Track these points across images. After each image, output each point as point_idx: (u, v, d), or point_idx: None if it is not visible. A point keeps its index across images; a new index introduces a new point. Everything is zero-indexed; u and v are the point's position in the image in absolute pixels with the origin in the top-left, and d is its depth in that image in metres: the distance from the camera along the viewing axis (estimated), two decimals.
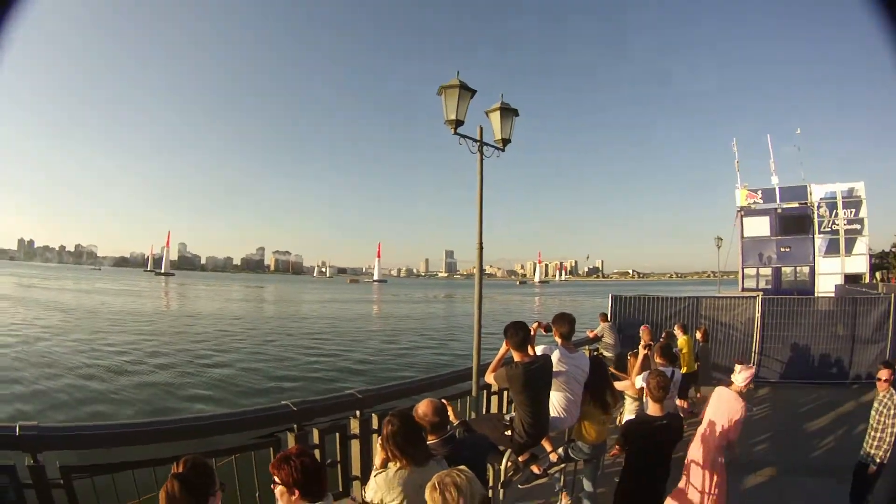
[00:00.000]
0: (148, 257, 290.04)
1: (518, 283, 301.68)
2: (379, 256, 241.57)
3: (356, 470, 6.17)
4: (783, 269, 31.59)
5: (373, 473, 3.59)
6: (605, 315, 13.91)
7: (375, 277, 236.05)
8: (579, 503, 6.38)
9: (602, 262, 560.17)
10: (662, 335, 11.01)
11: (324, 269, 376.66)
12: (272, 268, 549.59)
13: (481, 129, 7.31)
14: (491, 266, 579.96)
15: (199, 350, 27.85)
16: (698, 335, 12.77)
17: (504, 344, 5.50)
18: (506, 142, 7.59)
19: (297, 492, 2.96)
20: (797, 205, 31.67)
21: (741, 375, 5.95)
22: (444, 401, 4.27)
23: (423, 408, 4.03)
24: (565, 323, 6.02)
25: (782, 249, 31.59)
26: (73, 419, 14.96)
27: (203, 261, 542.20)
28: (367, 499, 3.53)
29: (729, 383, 6.07)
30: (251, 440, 5.39)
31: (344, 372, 23.84)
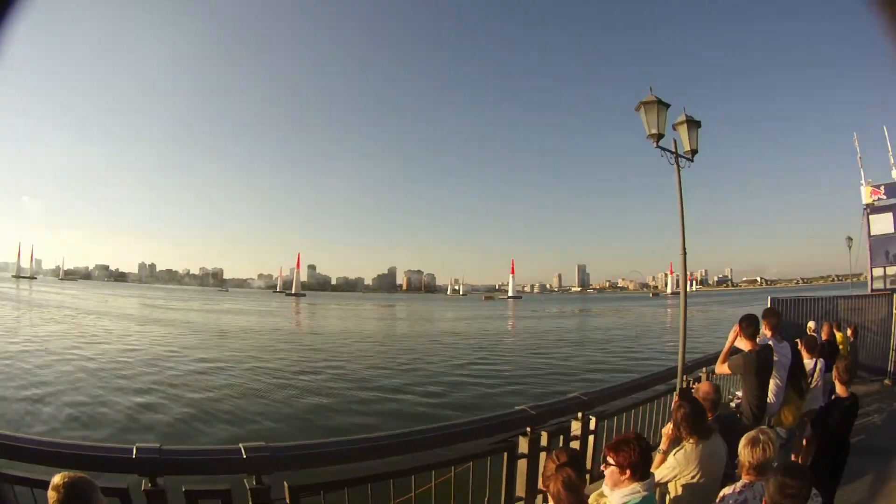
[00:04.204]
0: (277, 279, 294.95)
1: (651, 295, 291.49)
2: (513, 273, 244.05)
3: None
4: None
5: (672, 453, 4.29)
6: None
7: (510, 294, 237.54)
8: None
9: (731, 270, 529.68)
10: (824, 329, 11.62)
11: (457, 287, 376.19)
12: (405, 286, 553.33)
13: (675, 142, 8.11)
14: (623, 279, 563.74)
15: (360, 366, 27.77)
16: (848, 332, 13.07)
17: (732, 334, 6.32)
18: (694, 152, 8.25)
19: (628, 472, 3.41)
20: None
21: None
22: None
23: (704, 387, 5.04)
24: (774, 316, 6.84)
25: None
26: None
27: (333, 281, 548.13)
28: (659, 478, 4.12)
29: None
30: (488, 446, 5.43)
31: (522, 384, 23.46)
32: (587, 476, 6.13)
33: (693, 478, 4.15)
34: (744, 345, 6.19)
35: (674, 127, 8.24)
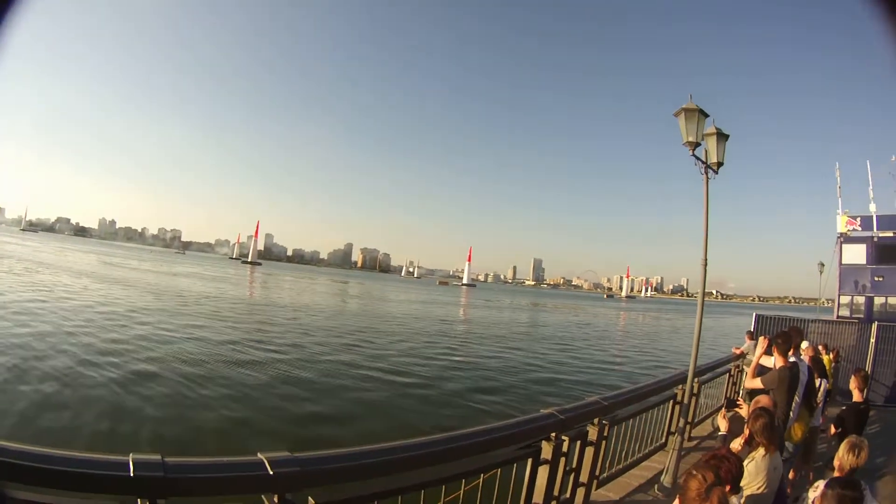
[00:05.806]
0: (234, 245, 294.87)
1: (605, 296, 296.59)
2: (469, 261, 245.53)
3: (584, 476, 6.28)
4: (875, 298, 31.03)
5: (745, 464, 4.03)
6: (751, 333, 14.62)
7: (465, 281, 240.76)
8: None
9: (687, 280, 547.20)
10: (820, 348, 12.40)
11: (411, 269, 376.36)
12: (359, 264, 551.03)
13: (706, 151, 8.08)
14: (577, 277, 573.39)
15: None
16: (831, 356, 13.59)
17: (760, 350, 6.91)
18: (719, 164, 8.22)
19: (728, 486, 3.32)
20: (892, 234, 31.09)
21: None
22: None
23: (765, 400, 5.08)
24: (799, 335, 7.15)
25: (876, 279, 30.90)
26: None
27: (289, 252, 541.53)
28: None
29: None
30: (514, 451, 5.10)
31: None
32: (595, 482, 6.59)
33: (758, 488, 4.22)
34: (776, 361, 6.49)
35: (703, 137, 8.16)
